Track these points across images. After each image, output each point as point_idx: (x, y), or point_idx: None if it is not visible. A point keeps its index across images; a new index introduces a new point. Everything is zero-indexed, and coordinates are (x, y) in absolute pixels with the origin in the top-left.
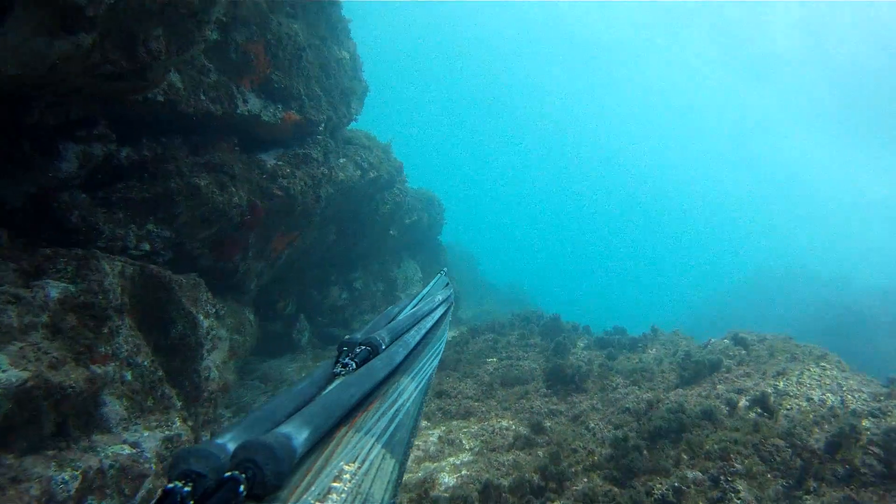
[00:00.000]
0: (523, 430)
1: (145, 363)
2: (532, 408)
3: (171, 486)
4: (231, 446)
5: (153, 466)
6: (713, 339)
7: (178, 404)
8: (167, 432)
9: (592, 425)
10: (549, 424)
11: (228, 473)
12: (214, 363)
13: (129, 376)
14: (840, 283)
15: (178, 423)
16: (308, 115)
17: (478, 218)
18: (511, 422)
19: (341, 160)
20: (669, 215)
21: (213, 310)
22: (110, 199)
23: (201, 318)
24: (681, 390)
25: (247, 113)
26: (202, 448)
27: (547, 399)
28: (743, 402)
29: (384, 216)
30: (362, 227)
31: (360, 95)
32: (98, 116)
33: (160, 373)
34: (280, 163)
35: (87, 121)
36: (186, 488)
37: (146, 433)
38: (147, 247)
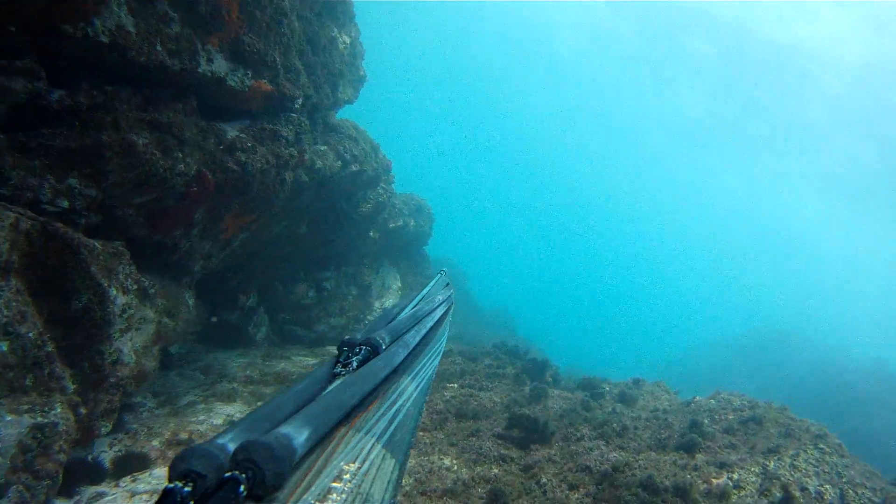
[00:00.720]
0: (464, 474)
1: (30, 334)
2: (481, 448)
3: (170, 485)
4: (231, 446)
5: (5, 461)
6: (698, 398)
7: (70, 388)
8: (40, 419)
9: (544, 481)
10: (496, 472)
11: (228, 473)
12: (131, 346)
13: (3, 347)
14: (835, 353)
15: (60, 410)
16: (282, 88)
17: (473, 238)
18: (455, 461)
19: (321, 147)
20: (669, 263)
21: (136, 286)
22: (28, 144)
23: (114, 292)
24: (654, 454)
25: (210, 73)
26: (202, 448)
27: (500, 442)
28: (723, 480)
29: (364, 216)
30: (339, 224)
31: (354, 83)
32: (26, 48)
33: (50, 348)
34: (242, 135)
35: (9, 50)
36: (186, 488)
37: (10, 417)
38: (65, 203)
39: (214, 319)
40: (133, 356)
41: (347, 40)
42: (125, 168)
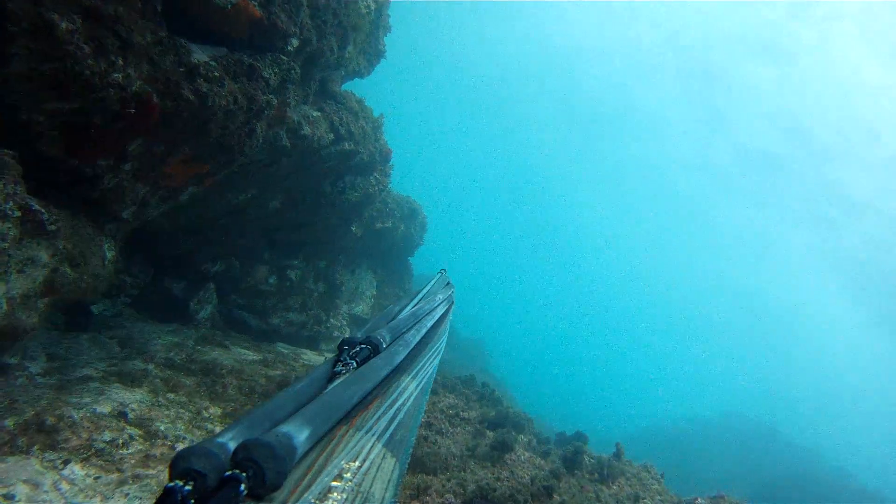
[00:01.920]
0: None
1: None
2: None
3: (171, 484)
4: (232, 445)
5: None
6: (700, 501)
7: None
8: None
9: None
10: None
11: (229, 472)
12: (6, 291)
13: None
14: (809, 457)
15: None
16: (274, 19)
17: (458, 261)
18: None
19: (313, 112)
20: (648, 333)
21: (19, 213)
22: None
23: None
24: None
25: None
26: (203, 447)
27: None
28: None
29: (349, 206)
30: (318, 208)
31: (369, 54)
32: None
33: None
34: (212, 63)
35: None
36: (187, 487)
37: None
38: None
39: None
40: (3, 304)
41: (373, 5)
42: (37, 56)
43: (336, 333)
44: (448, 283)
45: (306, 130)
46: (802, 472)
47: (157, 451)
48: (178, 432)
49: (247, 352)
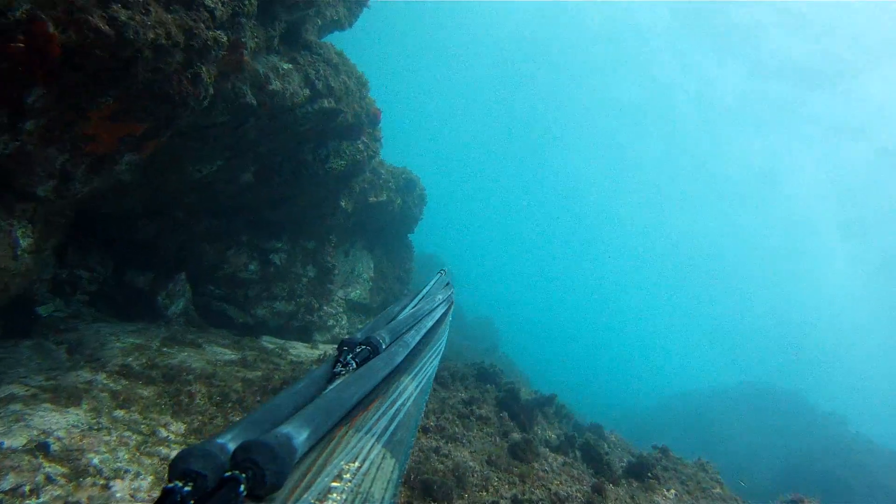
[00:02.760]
0: None
1: None
2: None
3: (171, 485)
4: (231, 446)
5: None
6: None
7: None
8: None
9: None
10: None
11: (229, 473)
12: None
13: None
14: (837, 423)
15: None
16: None
17: (463, 238)
18: None
19: (283, 63)
20: (663, 300)
21: None
22: None
23: None
24: None
25: None
26: (202, 448)
27: None
28: None
29: (335, 175)
30: (298, 179)
31: (350, 1)
32: None
33: None
34: None
35: None
36: (187, 488)
37: None
38: None
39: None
40: None
41: None
42: None
43: (331, 322)
44: (448, 284)
45: (276, 85)
46: (831, 441)
47: (83, 496)
48: (118, 464)
49: (224, 350)
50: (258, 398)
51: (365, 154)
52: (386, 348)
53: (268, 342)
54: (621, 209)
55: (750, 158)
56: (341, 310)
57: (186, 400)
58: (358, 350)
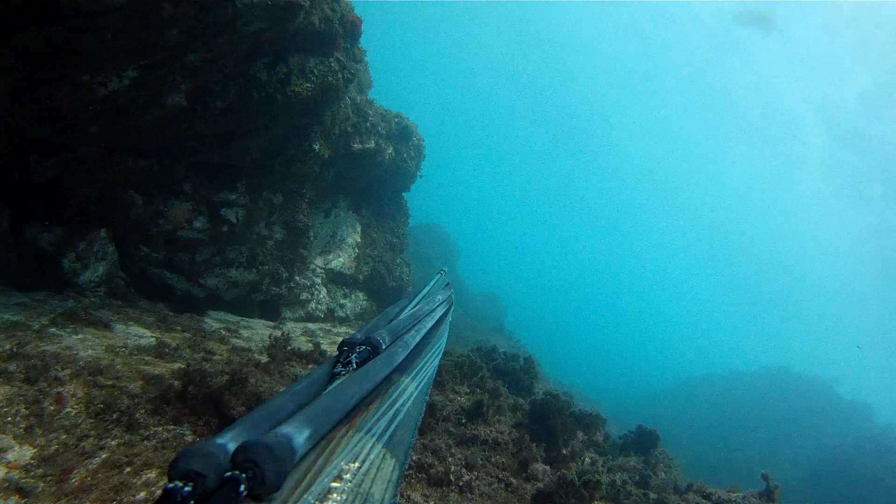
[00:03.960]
0: None
1: None
2: None
3: (171, 485)
4: (231, 446)
5: None
6: None
7: None
8: None
9: None
10: None
11: (229, 473)
12: None
13: None
14: (863, 413)
15: None
16: None
17: (465, 207)
18: None
19: None
20: (676, 281)
21: None
22: None
23: None
24: None
25: None
26: (202, 448)
27: None
28: None
29: (300, 103)
30: (249, 104)
31: None
32: None
33: None
34: None
35: None
36: (187, 488)
37: None
38: None
39: None
40: None
41: None
42: None
43: (305, 296)
44: (447, 284)
45: None
46: (860, 437)
47: None
48: None
49: (142, 332)
50: (165, 407)
51: (340, 77)
52: (386, 348)
53: (214, 320)
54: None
55: None
56: (319, 281)
57: (51, 409)
58: (358, 350)
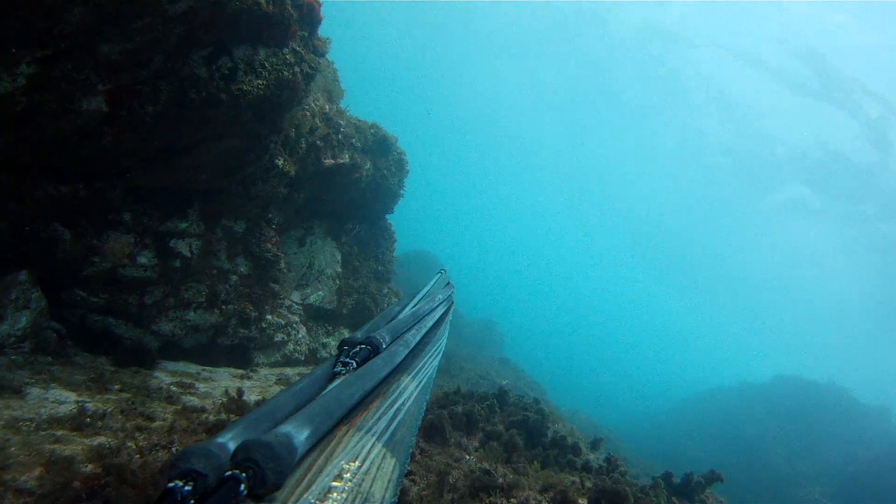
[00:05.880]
0: None
1: None
2: None
3: (171, 485)
4: (231, 445)
5: None
6: None
7: None
8: None
9: None
10: None
11: (229, 472)
12: None
13: None
14: (882, 418)
15: None
16: None
17: (456, 235)
18: None
19: None
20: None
21: None
22: None
23: None
24: None
25: None
26: (202, 447)
27: None
28: None
29: (251, 104)
30: (187, 108)
31: None
32: None
33: None
34: None
35: None
36: (187, 487)
37: None
38: None
39: None
40: None
41: None
42: None
43: (280, 337)
44: (448, 284)
45: None
46: (888, 441)
47: None
48: None
49: (66, 395)
50: None
51: (298, 71)
52: (386, 348)
53: (167, 373)
54: (637, 201)
55: None
56: (297, 319)
57: None
58: (358, 349)
